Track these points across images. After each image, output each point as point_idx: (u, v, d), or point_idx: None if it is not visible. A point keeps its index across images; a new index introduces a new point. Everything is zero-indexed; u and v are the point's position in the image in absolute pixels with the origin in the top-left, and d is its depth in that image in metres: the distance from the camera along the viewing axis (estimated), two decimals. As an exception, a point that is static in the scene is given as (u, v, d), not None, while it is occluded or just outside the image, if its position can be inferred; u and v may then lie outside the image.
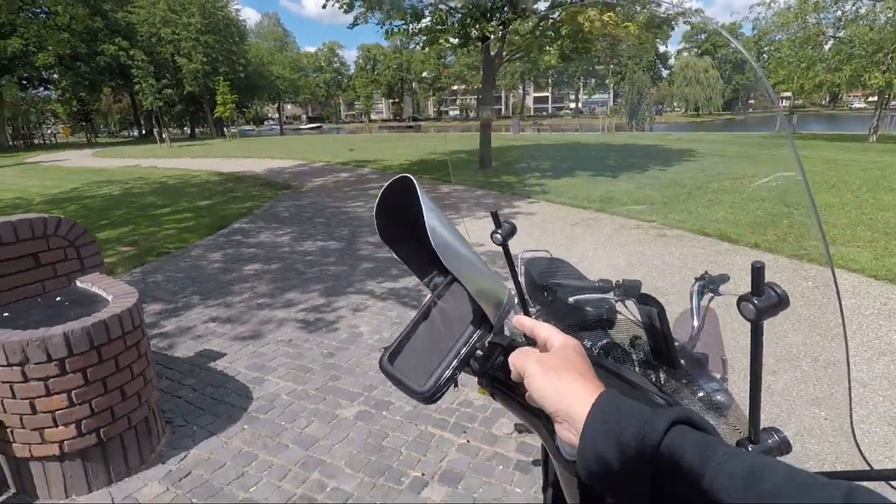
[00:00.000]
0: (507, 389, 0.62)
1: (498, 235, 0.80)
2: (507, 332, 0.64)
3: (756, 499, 0.34)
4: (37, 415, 1.95)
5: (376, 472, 2.20)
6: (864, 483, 0.37)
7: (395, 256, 0.67)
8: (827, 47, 19.65)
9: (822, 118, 47.25)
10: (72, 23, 29.09)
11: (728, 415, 0.86)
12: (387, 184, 0.58)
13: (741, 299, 0.55)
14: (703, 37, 65.65)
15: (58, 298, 2.36)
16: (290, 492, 2.10)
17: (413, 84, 73.56)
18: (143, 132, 45.37)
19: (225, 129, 37.59)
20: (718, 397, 0.91)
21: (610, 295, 1.11)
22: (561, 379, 0.48)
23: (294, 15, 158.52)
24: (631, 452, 0.40)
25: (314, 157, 17.40)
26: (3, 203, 9.86)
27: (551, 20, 11.17)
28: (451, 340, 0.59)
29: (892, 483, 0.53)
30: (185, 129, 47.91)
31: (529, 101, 79.92)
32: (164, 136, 29.50)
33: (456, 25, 11.67)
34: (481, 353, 0.61)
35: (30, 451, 1.99)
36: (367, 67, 70.87)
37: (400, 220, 0.62)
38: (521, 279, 1.45)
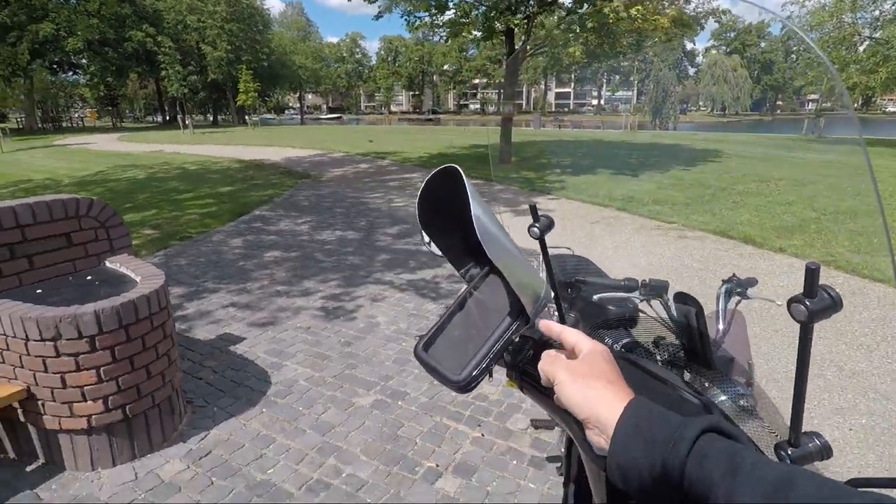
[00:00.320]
0: (536, 383, 0.62)
1: (535, 229, 0.79)
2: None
3: None
4: (67, 389, 2.02)
5: (391, 460, 2.22)
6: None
7: (431, 247, 0.67)
8: (861, 48, 19.03)
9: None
10: (101, 9, 29.78)
11: (763, 417, 0.84)
12: (430, 174, 0.58)
13: (792, 300, 0.54)
14: (732, 34, 64.07)
15: (88, 277, 2.43)
16: (306, 475, 2.13)
17: (434, 77, 73.25)
18: (167, 118, 46.13)
19: (247, 117, 37.95)
20: (745, 402, 0.90)
21: (636, 294, 1.10)
22: (590, 386, 0.49)
23: (318, 5, 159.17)
24: (661, 459, 0.41)
25: (334, 148, 17.49)
26: (33, 184, 10.15)
27: (578, 14, 11.01)
28: (487, 331, 0.59)
29: None
30: (208, 116, 48.53)
31: (551, 97, 78.98)
32: (187, 122, 29.93)
33: (480, 18, 11.59)
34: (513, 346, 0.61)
35: (59, 423, 2.06)
36: (389, 59, 70.77)
37: (443, 212, 0.62)
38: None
